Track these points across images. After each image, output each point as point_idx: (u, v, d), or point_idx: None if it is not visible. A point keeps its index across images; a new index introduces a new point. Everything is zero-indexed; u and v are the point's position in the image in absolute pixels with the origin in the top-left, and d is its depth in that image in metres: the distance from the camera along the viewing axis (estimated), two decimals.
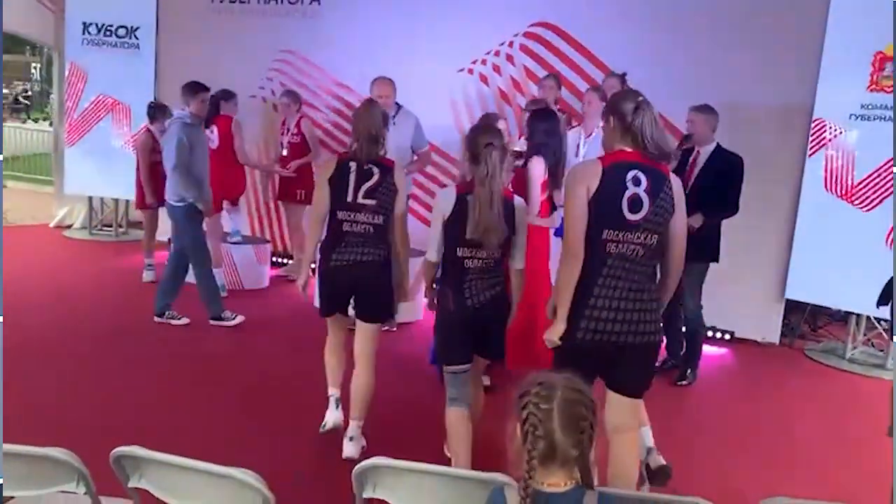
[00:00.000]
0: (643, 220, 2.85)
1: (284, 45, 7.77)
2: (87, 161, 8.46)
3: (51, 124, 23.01)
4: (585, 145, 5.48)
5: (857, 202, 5.82)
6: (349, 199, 3.72)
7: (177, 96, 7.98)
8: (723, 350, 6.16)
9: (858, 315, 6.11)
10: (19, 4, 8.59)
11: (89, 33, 8.36)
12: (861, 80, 5.71)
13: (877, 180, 5.73)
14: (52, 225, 9.23)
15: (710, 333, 6.01)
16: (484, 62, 7.03)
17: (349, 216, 3.75)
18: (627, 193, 2.83)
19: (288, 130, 6.98)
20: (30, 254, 7.88)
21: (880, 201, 5.71)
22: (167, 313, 5.80)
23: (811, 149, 5.97)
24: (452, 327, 3.45)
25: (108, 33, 8.35)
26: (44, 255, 8.02)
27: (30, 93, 27.54)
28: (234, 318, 5.86)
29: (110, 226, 9.04)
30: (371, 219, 3.74)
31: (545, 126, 4.66)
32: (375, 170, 3.74)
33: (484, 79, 7.05)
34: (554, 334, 2.92)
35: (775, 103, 6.07)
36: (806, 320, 6.61)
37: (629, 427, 3.07)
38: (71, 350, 5.19)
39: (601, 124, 5.45)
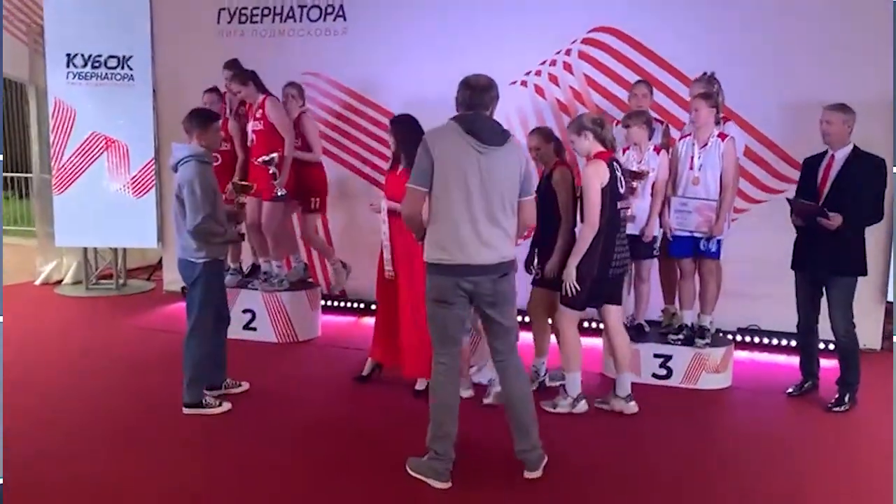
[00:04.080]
0: (623, 193, 4.54)
1: (306, 67, 7.06)
2: (80, 209, 7.54)
3: None
4: (700, 156, 5.01)
5: None
6: None
7: (180, 130, 7.24)
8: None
9: None
10: None
11: (75, 66, 7.45)
12: None
13: None
14: (38, 282, 8.21)
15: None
16: (539, 73, 6.52)
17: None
18: (617, 176, 4.42)
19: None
20: (44, 321, 6.83)
21: None
22: (225, 383, 4.87)
23: None
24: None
25: (96, 65, 7.46)
26: (56, 320, 6.90)
27: None
28: (218, 405, 4.61)
29: (108, 277, 8.10)
30: None
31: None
32: None
33: (540, 91, 6.53)
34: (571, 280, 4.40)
35: (862, 101, 5.73)
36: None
37: (620, 322, 4.74)
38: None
39: (716, 133, 5.06)
